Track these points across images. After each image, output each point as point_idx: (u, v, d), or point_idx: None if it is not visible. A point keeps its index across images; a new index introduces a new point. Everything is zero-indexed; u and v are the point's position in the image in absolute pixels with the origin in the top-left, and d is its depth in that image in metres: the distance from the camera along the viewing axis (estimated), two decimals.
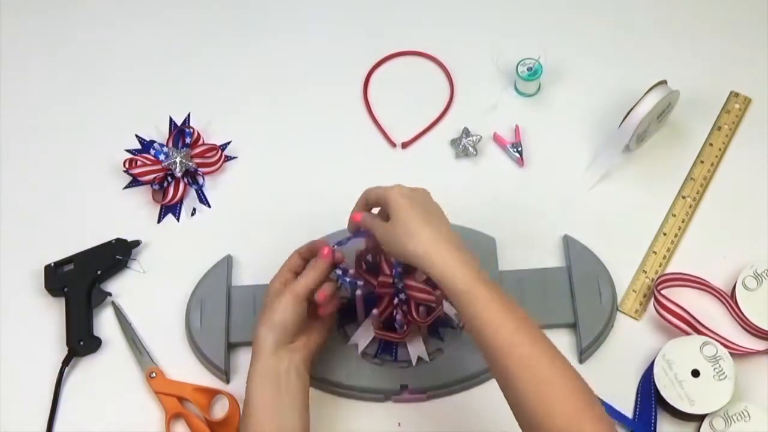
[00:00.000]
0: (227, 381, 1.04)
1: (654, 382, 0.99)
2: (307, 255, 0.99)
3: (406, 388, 1.01)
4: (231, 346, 1.05)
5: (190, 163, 1.14)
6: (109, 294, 1.09)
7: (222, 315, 1.05)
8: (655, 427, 0.99)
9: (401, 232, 0.89)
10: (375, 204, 0.96)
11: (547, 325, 1.04)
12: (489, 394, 1.01)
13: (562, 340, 1.04)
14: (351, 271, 0.99)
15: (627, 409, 1.00)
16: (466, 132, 1.16)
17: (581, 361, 1.03)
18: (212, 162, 1.16)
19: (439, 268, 0.86)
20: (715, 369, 0.98)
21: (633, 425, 0.99)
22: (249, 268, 1.10)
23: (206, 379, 1.04)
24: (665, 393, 0.98)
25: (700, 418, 0.98)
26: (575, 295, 1.04)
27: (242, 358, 1.05)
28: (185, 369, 1.05)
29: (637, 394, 1.01)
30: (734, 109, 1.17)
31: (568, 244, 1.08)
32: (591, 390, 0.82)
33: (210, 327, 1.05)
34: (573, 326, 1.04)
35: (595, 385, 1.01)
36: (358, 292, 0.98)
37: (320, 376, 1.01)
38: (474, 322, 0.84)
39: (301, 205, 1.14)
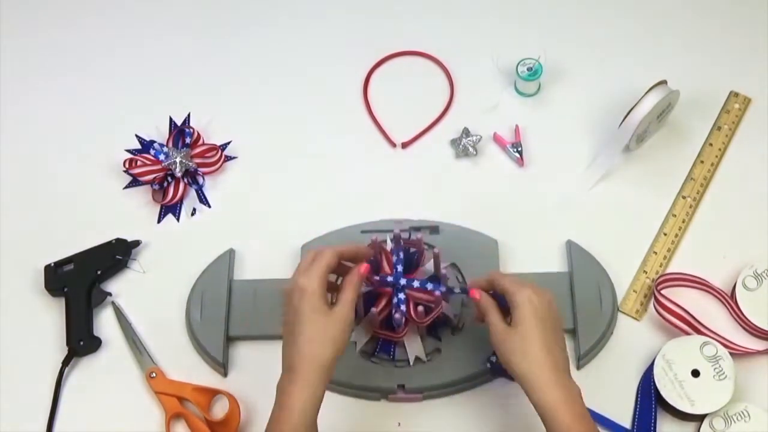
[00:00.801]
0: (225, 374, 1.04)
1: (654, 382, 0.99)
2: (346, 258, 0.94)
3: (402, 387, 1.01)
4: (230, 340, 1.05)
5: (190, 163, 1.14)
6: (109, 294, 1.09)
7: (222, 308, 1.05)
8: (654, 428, 0.99)
9: (517, 345, 0.89)
10: (499, 291, 0.93)
11: None
12: (487, 396, 1.01)
13: None
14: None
15: (627, 409, 1.00)
16: (466, 132, 1.16)
17: (579, 367, 1.02)
18: (212, 162, 1.16)
19: (540, 396, 0.86)
20: (715, 369, 0.98)
21: None
22: (248, 267, 1.10)
23: (205, 373, 1.05)
24: (665, 393, 0.98)
25: (700, 418, 0.98)
26: (576, 302, 1.04)
27: (240, 351, 1.05)
28: (184, 366, 1.05)
29: (637, 394, 1.01)
30: (734, 109, 1.17)
31: (571, 249, 1.07)
32: None
33: (210, 320, 1.05)
34: (572, 332, 1.04)
35: (595, 385, 1.02)
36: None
37: None
38: None
39: (301, 206, 1.14)
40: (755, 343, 1.03)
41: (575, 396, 0.87)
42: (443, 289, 0.97)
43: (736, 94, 1.18)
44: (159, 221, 1.14)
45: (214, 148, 1.16)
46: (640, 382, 1.01)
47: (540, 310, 0.90)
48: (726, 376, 0.98)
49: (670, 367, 0.99)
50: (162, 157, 1.14)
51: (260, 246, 1.11)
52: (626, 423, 1.00)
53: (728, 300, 1.05)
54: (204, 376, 1.05)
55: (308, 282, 0.88)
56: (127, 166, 1.14)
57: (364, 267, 0.92)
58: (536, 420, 0.85)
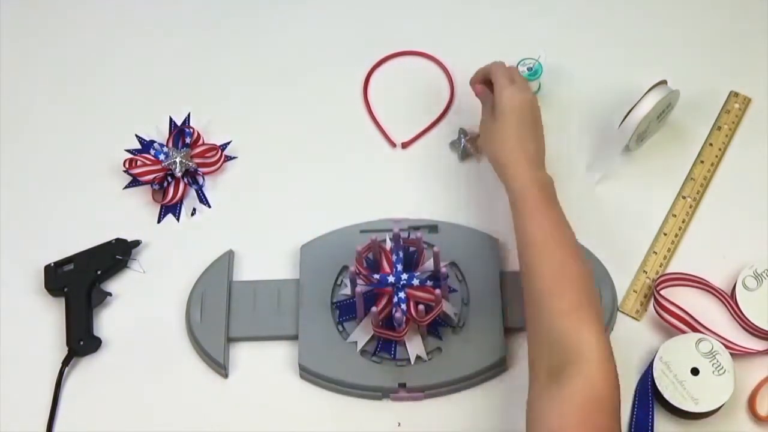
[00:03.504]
0: (225, 375, 1.04)
1: (652, 383, 0.99)
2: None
3: (403, 386, 1.01)
4: (230, 341, 1.05)
5: (190, 163, 1.14)
6: (109, 294, 1.09)
7: (222, 310, 1.05)
8: (652, 428, 0.98)
9: (496, 135, 1.02)
10: (491, 82, 1.06)
11: None
12: (488, 394, 1.01)
13: None
14: (351, 269, 0.99)
15: (625, 409, 1.00)
16: (464, 132, 1.16)
17: None
18: (212, 162, 1.16)
19: (510, 183, 0.99)
20: (713, 364, 0.98)
21: None
22: (248, 267, 1.10)
23: (205, 374, 1.05)
24: (668, 395, 0.98)
25: (704, 416, 0.98)
26: None
27: (241, 352, 1.05)
28: (184, 367, 1.05)
29: (635, 395, 1.00)
30: (734, 109, 1.17)
31: None
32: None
33: (210, 321, 1.05)
34: None
35: None
36: (358, 289, 0.98)
37: (318, 373, 1.01)
38: (518, 220, 0.97)
39: (301, 205, 1.14)
40: (755, 343, 1.03)
41: (544, 184, 0.98)
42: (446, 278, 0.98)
43: (736, 94, 1.18)
44: (159, 221, 1.14)
45: (214, 148, 1.16)
46: (637, 384, 1.01)
47: (519, 108, 1.02)
48: (725, 371, 0.98)
49: (669, 368, 0.99)
50: (162, 157, 1.14)
51: (260, 246, 1.11)
52: (623, 423, 0.99)
53: (728, 300, 1.05)
54: (204, 376, 1.05)
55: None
56: (127, 166, 1.14)
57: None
58: None
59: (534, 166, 0.99)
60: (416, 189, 1.14)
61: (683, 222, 1.10)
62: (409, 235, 1.02)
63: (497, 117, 1.02)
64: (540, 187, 0.98)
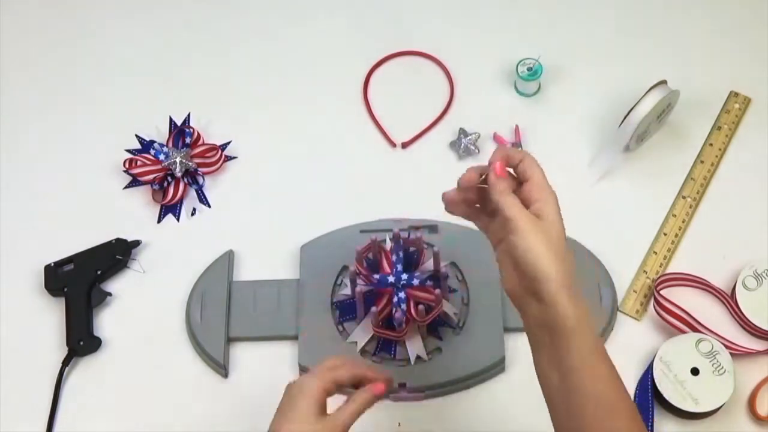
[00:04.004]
0: (225, 375, 1.04)
1: (652, 383, 0.99)
2: (362, 382, 0.87)
3: (404, 386, 1.01)
4: (230, 341, 1.05)
5: (190, 163, 1.14)
6: (109, 294, 1.09)
7: (222, 310, 1.05)
8: (652, 428, 0.98)
9: (545, 237, 0.77)
10: (522, 177, 0.81)
11: None
12: (488, 394, 1.01)
13: None
14: (351, 269, 0.99)
15: None
16: (463, 132, 1.16)
17: None
18: (212, 162, 1.16)
19: (564, 305, 0.76)
20: (713, 364, 0.98)
21: None
22: (248, 267, 1.10)
23: (205, 374, 1.05)
24: (668, 395, 0.98)
25: (704, 416, 0.98)
26: None
27: (241, 352, 1.05)
28: (185, 367, 1.05)
29: (635, 395, 1.00)
30: (734, 109, 1.17)
31: (570, 247, 1.07)
32: None
33: (210, 321, 1.05)
34: None
35: None
36: (358, 289, 0.98)
37: None
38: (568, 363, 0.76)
39: (301, 205, 1.14)
40: (755, 343, 1.03)
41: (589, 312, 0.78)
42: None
43: (736, 94, 1.18)
44: (159, 221, 1.14)
45: (214, 148, 1.16)
46: (637, 384, 1.01)
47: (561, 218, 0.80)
48: (725, 371, 0.98)
49: (669, 368, 0.99)
50: (162, 157, 1.14)
51: (260, 246, 1.11)
52: None
53: (728, 300, 1.05)
54: (204, 376, 1.05)
55: (310, 382, 0.83)
56: (127, 166, 1.14)
57: (379, 387, 0.85)
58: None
59: (578, 290, 0.78)
60: (416, 189, 1.14)
61: (683, 222, 1.10)
62: (409, 235, 1.02)
63: (549, 219, 0.79)
64: (592, 326, 0.78)
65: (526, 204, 0.80)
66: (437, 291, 0.97)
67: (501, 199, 0.79)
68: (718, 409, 0.98)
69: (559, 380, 0.77)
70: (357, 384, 0.86)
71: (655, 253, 1.09)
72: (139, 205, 1.15)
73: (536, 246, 0.77)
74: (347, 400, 0.84)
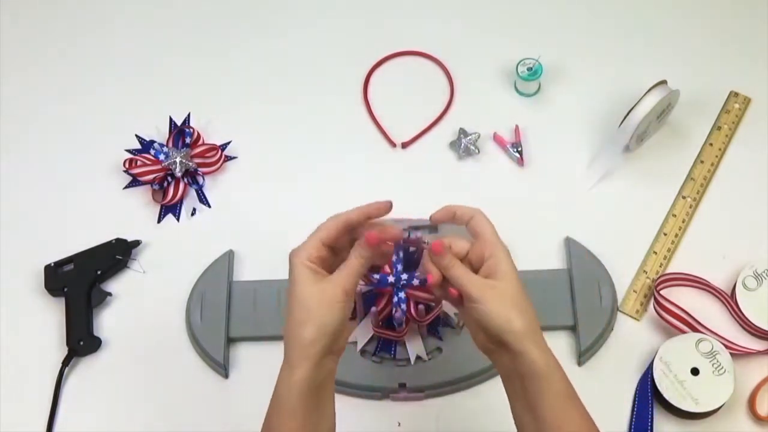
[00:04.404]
0: (226, 375, 1.04)
1: (652, 384, 0.99)
2: (355, 223, 0.84)
3: (404, 386, 1.01)
4: (230, 341, 1.05)
5: (190, 163, 1.14)
6: (109, 294, 1.09)
7: (222, 310, 1.05)
8: (652, 428, 0.98)
9: (509, 303, 0.79)
10: (471, 232, 0.84)
11: (546, 327, 1.04)
12: (488, 394, 1.01)
13: (562, 343, 1.04)
14: None
15: (625, 408, 1.00)
16: (463, 132, 1.16)
17: (580, 363, 1.03)
18: (212, 162, 1.16)
19: (537, 356, 0.78)
20: (713, 364, 0.98)
21: None
22: (248, 267, 1.10)
23: (206, 374, 1.05)
24: (668, 395, 0.98)
25: (704, 416, 0.98)
26: (575, 298, 1.04)
27: (241, 352, 1.05)
28: (185, 367, 1.05)
29: (635, 395, 1.00)
30: (734, 109, 1.17)
31: (570, 246, 1.07)
32: None
33: (210, 321, 1.05)
34: (573, 329, 1.04)
35: (594, 386, 1.01)
36: (358, 289, 0.98)
37: None
38: (542, 410, 0.78)
39: (301, 206, 1.14)
40: (755, 343, 1.03)
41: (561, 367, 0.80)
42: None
43: (736, 94, 1.18)
44: (159, 221, 1.14)
45: (214, 148, 1.16)
46: (638, 384, 1.01)
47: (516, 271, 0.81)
48: (725, 371, 0.98)
49: (669, 368, 0.99)
50: (162, 157, 1.14)
51: (260, 246, 1.11)
52: (624, 423, 1.00)
53: (728, 300, 1.05)
54: (204, 376, 1.05)
55: (294, 255, 0.80)
56: (127, 166, 1.14)
57: (370, 236, 0.81)
58: None
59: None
60: (416, 189, 1.14)
61: (683, 222, 1.10)
62: (409, 235, 1.02)
63: (503, 276, 0.80)
64: (563, 371, 0.79)
65: (478, 261, 0.82)
66: (437, 291, 0.96)
67: (449, 275, 0.81)
68: (718, 409, 0.98)
69: (534, 425, 0.78)
70: (350, 231, 0.83)
71: (655, 253, 1.09)
72: (139, 205, 1.15)
73: (494, 309, 0.78)
74: (346, 260, 0.81)
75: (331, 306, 0.78)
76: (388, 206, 0.85)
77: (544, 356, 0.78)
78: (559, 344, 1.04)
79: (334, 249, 0.83)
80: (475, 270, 0.82)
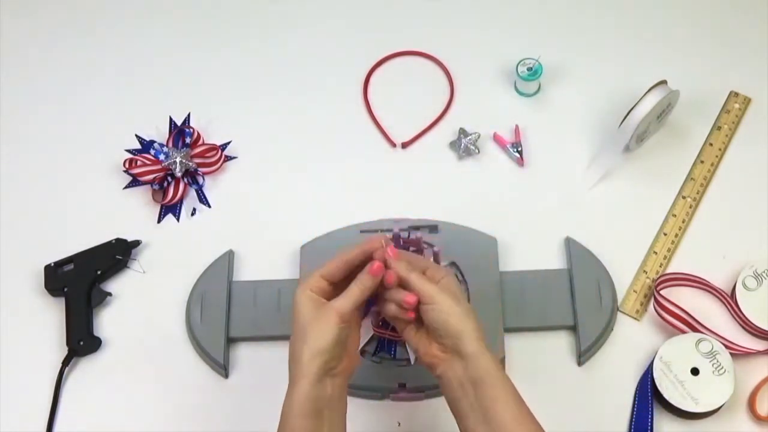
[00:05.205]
0: (226, 376, 1.04)
1: (652, 384, 0.99)
2: (354, 261, 0.89)
3: (404, 386, 1.01)
4: (230, 341, 1.05)
5: (190, 163, 1.14)
6: (109, 294, 1.09)
7: (222, 310, 1.05)
8: (652, 428, 0.98)
9: (462, 305, 0.86)
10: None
11: (546, 327, 1.05)
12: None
13: (562, 343, 1.04)
14: None
15: (625, 408, 1.00)
16: (464, 132, 1.16)
17: (580, 363, 1.03)
18: (212, 162, 1.16)
19: (489, 357, 0.84)
20: (713, 364, 0.98)
21: None
22: (248, 267, 1.10)
23: (206, 374, 1.05)
24: (668, 395, 0.98)
25: (703, 416, 0.98)
26: (575, 298, 1.04)
27: (241, 353, 1.05)
28: (185, 367, 1.05)
29: (635, 396, 1.00)
30: (734, 109, 1.17)
31: (570, 246, 1.07)
32: None
33: (210, 321, 1.05)
34: (573, 329, 1.04)
35: (594, 386, 1.02)
36: None
37: None
38: (485, 401, 0.83)
39: (301, 206, 1.14)
40: (755, 343, 1.03)
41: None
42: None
43: (736, 94, 1.18)
44: (159, 221, 1.14)
45: (214, 148, 1.16)
46: (638, 384, 1.01)
47: (454, 288, 0.88)
48: (725, 371, 0.98)
49: (669, 368, 0.99)
50: (162, 157, 1.14)
51: (260, 246, 1.11)
52: (624, 423, 1.00)
53: (728, 300, 1.05)
54: (204, 376, 1.05)
55: (298, 290, 0.87)
56: (127, 166, 1.14)
57: (376, 266, 0.87)
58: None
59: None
60: (416, 189, 1.14)
61: (683, 222, 1.10)
62: (409, 235, 1.02)
63: (445, 283, 0.88)
64: (502, 368, 0.87)
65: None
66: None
67: (408, 279, 0.87)
68: (718, 409, 0.98)
69: None
70: (350, 269, 0.88)
71: (655, 253, 1.09)
72: (139, 205, 1.15)
73: (450, 308, 0.85)
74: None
75: (326, 326, 0.84)
76: (383, 241, 0.89)
77: (494, 359, 0.84)
78: (559, 344, 1.04)
79: (335, 284, 0.88)
80: None
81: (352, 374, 0.89)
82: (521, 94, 1.20)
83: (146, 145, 1.16)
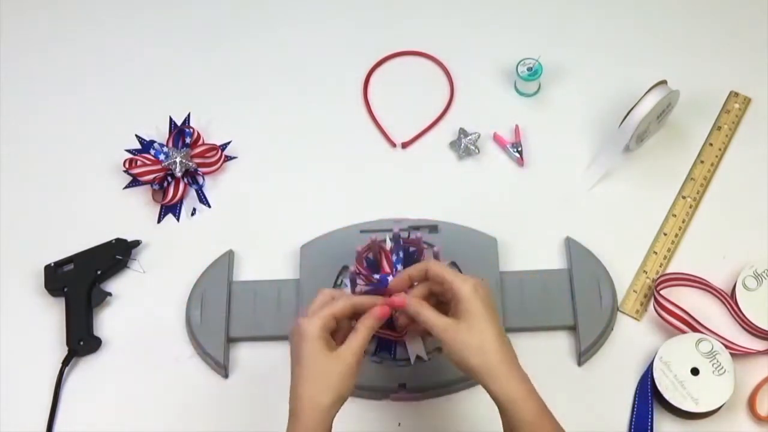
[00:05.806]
0: (226, 376, 1.04)
1: (652, 384, 0.99)
2: (362, 310, 0.89)
3: (404, 386, 1.01)
4: (230, 341, 1.05)
5: (190, 163, 1.14)
6: (109, 294, 1.09)
7: (222, 310, 1.05)
8: (652, 428, 0.98)
9: (471, 340, 0.84)
10: (436, 280, 0.89)
11: (546, 327, 1.05)
12: (487, 395, 1.01)
13: (562, 343, 1.04)
14: (351, 269, 0.99)
15: (624, 408, 1.00)
16: (464, 132, 1.16)
17: (580, 363, 1.03)
18: (212, 162, 1.16)
19: (500, 389, 0.84)
20: (713, 364, 0.98)
21: None
22: (248, 267, 1.10)
23: (206, 374, 1.05)
24: (668, 395, 0.98)
25: (703, 416, 0.98)
26: (575, 298, 1.04)
27: (241, 353, 1.05)
28: (185, 367, 1.05)
29: (635, 396, 1.00)
30: (734, 109, 1.17)
31: (570, 246, 1.07)
32: None
33: (210, 321, 1.05)
34: (573, 329, 1.04)
35: (594, 386, 1.02)
36: (358, 289, 0.98)
37: None
38: None
39: (301, 206, 1.14)
40: (755, 343, 1.03)
41: (533, 388, 0.84)
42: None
43: (736, 94, 1.18)
44: (159, 221, 1.14)
45: (214, 148, 1.16)
46: (638, 384, 1.01)
47: (486, 301, 0.86)
48: (725, 371, 0.98)
49: (669, 368, 0.99)
50: (162, 157, 1.14)
51: (260, 246, 1.11)
52: (624, 423, 1.00)
53: (728, 300, 1.05)
54: (204, 376, 1.05)
55: (308, 325, 0.85)
56: (127, 166, 1.14)
57: (381, 309, 0.88)
58: None
59: (519, 368, 0.85)
60: (416, 189, 1.14)
61: (683, 222, 1.10)
62: (409, 235, 1.02)
63: (465, 316, 0.85)
64: (537, 396, 0.84)
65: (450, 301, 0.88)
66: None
67: (418, 319, 0.88)
68: (718, 409, 0.98)
69: None
70: (356, 313, 0.89)
71: (655, 253, 1.09)
72: (139, 205, 1.15)
73: (452, 349, 0.85)
74: (353, 331, 0.87)
75: (350, 378, 0.85)
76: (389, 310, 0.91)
77: (504, 389, 0.84)
78: (559, 344, 1.04)
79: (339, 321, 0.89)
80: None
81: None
82: (521, 94, 1.20)
83: (146, 145, 1.16)
